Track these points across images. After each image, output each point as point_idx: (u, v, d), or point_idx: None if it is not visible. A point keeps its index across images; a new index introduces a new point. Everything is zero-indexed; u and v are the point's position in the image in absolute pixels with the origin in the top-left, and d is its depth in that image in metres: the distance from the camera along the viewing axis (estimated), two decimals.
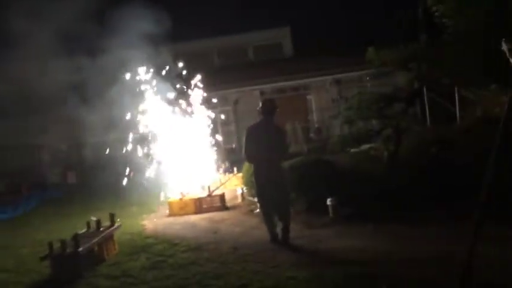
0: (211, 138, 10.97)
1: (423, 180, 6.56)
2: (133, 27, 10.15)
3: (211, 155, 10.80)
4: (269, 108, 6.17)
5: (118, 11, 9.89)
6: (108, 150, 15.72)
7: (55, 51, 10.10)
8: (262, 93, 17.55)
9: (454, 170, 6.45)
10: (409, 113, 8.05)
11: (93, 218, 6.69)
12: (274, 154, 5.96)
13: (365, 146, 9.56)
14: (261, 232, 6.62)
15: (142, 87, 9.99)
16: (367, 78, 8.68)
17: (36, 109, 14.71)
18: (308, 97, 17.74)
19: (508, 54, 2.87)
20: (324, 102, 17.16)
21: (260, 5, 20.57)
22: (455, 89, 9.23)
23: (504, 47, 2.90)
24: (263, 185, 6.10)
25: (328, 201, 6.77)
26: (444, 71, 7.05)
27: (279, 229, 6.08)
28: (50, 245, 5.50)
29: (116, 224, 6.63)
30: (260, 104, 6.30)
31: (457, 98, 10.21)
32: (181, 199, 8.64)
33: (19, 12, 9.58)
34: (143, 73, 10.00)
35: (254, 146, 6.04)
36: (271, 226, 6.14)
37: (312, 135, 16.40)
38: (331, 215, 6.75)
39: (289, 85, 17.56)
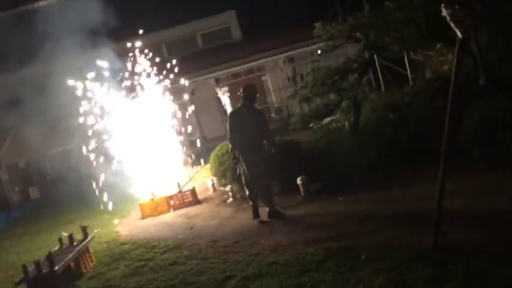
0: (172, 132, 10.79)
1: (384, 146, 6.76)
2: (72, 24, 9.82)
3: (175, 150, 10.63)
4: (250, 93, 6.48)
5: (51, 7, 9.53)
6: (66, 160, 15.36)
7: None
8: (217, 80, 17.45)
9: (410, 132, 6.68)
10: (363, 82, 8.20)
11: (65, 234, 6.55)
12: (257, 137, 6.30)
13: (326, 120, 9.73)
14: (237, 221, 6.70)
15: (91, 89, 9.63)
16: (318, 53, 8.74)
17: None
18: (263, 78, 17.79)
19: (448, 19, 2.97)
20: (280, 81, 17.27)
21: None
22: (404, 53, 9.48)
23: (444, 12, 2.99)
24: (248, 167, 6.39)
25: (298, 181, 6.88)
26: (391, 37, 7.21)
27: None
28: (24, 267, 5.34)
29: (90, 236, 6.51)
30: (241, 90, 6.54)
31: (406, 61, 10.51)
32: (152, 199, 8.55)
33: None
34: (89, 75, 9.63)
35: (238, 129, 6.36)
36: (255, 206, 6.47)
37: (273, 115, 16.51)
38: (302, 193, 6.87)
39: (243, 69, 17.51)
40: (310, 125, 9.85)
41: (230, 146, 6.73)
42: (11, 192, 15.19)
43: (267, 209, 6.37)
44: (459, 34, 2.95)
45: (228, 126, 6.62)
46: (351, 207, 5.98)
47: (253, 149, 6.30)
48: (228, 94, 17.99)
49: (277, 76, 17.55)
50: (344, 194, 6.45)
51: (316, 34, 7.76)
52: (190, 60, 16.98)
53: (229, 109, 17.91)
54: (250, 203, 6.59)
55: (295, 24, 16.23)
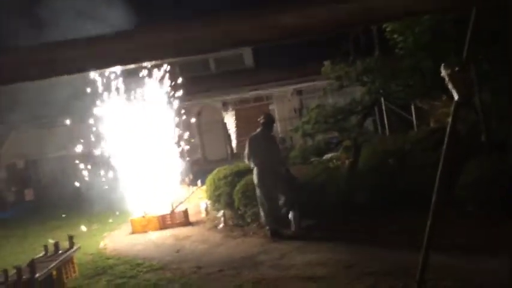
0: (173, 149, 10.79)
1: (379, 190, 6.75)
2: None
3: (174, 168, 10.61)
4: (269, 121, 7.35)
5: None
6: (65, 166, 15.38)
7: None
8: (224, 104, 17.62)
9: (407, 179, 6.69)
10: (364, 125, 8.26)
11: (51, 241, 6.52)
12: (274, 159, 7.05)
13: (327, 156, 9.77)
14: (225, 249, 6.65)
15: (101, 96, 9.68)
16: (323, 91, 8.84)
17: None
18: (271, 107, 17.93)
19: (446, 80, 3.02)
20: (287, 112, 17.41)
21: None
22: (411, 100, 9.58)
23: (443, 72, 3.05)
24: (269, 186, 6.89)
25: (290, 215, 6.86)
26: (398, 84, 7.31)
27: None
28: (5, 272, 5.31)
29: (75, 246, 6.48)
30: (262, 117, 7.34)
31: (413, 108, 10.61)
32: (143, 216, 8.52)
33: None
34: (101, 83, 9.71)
35: (257, 153, 6.99)
36: (272, 222, 6.82)
37: None
38: (292, 228, 6.83)
39: (252, 96, 17.69)
40: (312, 159, 9.91)
41: (252, 167, 7.10)
42: (7, 192, 15.19)
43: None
44: (455, 96, 3.01)
45: (247, 150, 7.16)
46: (339, 248, 5.93)
47: (271, 172, 6.90)
48: (234, 119, 18.22)
49: (284, 106, 17.71)
50: (334, 233, 6.41)
51: (323, 73, 7.88)
52: (200, 81, 17.17)
53: (233, 133, 18.12)
54: (267, 227, 6.86)
55: (308, 58, 16.46)
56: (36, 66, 5.12)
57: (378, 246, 5.76)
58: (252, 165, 7.09)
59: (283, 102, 17.79)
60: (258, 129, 7.27)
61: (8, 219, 12.85)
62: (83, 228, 9.22)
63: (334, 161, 9.03)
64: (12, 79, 4.16)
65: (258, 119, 7.32)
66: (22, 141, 15.66)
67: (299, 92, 17.94)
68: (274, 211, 6.90)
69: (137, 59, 3.69)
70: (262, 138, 7.15)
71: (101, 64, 4.47)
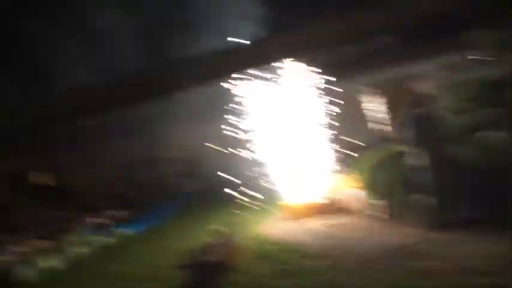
0: (327, 135, 10.77)
1: None
2: None
3: (327, 154, 10.59)
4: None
5: None
6: (225, 157, 16.61)
7: None
8: (369, 86, 17.03)
9: None
10: None
11: (218, 228, 7.19)
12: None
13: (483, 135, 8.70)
14: (381, 238, 6.58)
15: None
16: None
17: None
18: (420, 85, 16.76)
19: None
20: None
21: None
22: None
23: None
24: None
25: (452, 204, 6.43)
26: None
27: None
28: (185, 255, 6.07)
29: (240, 232, 7.06)
30: (414, 99, 7.35)
31: None
32: (299, 203, 8.81)
33: None
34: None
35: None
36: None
37: None
38: (454, 216, 6.39)
39: (398, 75, 16.74)
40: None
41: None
42: (178, 183, 17.04)
43: None
44: None
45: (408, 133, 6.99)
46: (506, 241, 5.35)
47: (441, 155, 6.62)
48: (382, 101, 17.47)
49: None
50: (501, 225, 5.79)
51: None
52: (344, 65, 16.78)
53: (382, 117, 17.38)
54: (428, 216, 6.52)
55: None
56: None
57: None
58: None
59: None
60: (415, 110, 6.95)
61: (181, 208, 14.43)
62: (245, 215, 9.90)
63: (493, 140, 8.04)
64: None
65: (410, 101, 6.92)
66: (189, 136, 17.39)
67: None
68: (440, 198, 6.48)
69: None
70: (423, 120, 6.86)
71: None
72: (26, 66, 13.98)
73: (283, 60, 10.32)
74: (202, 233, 8.42)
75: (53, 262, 9.39)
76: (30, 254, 9.80)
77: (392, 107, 16.41)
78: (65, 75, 13.78)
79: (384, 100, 16.73)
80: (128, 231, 11.88)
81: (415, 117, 7.15)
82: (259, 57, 9.58)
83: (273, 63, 10.23)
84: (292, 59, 10.30)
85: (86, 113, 11.34)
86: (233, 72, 10.18)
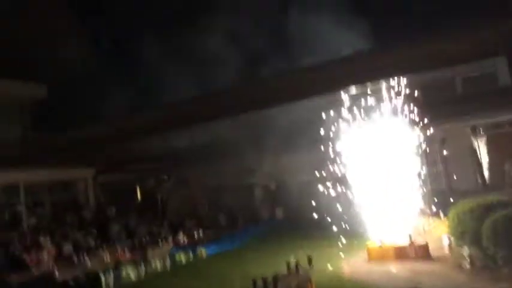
0: (416, 177, 10.31)
1: None
2: None
3: (415, 197, 10.13)
4: None
5: None
6: (311, 189, 16.52)
7: None
8: (473, 129, 15.92)
9: None
10: None
11: (293, 259, 7.10)
12: None
13: None
14: None
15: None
16: None
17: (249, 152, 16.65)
18: None
19: None
20: None
21: None
22: None
23: None
24: None
25: None
26: None
27: None
28: (254, 282, 6.06)
29: (312, 267, 6.89)
30: None
31: None
32: (381, 246, 8.42)
33: None
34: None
35: None
36: None
37: None
38: None
39: (508, 119, 15.44)
40: None
41: None
42: (261, 209, 17.32)
43: None
44: None
45: None
46: None
47: None
48: (486, 145, 16.20)
49: None
50: None
51: None
52: (445, 105, 16.01)
53: (485, 162, 16.14)
54: None
55: None
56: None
57: None
58: None
59: None
60: None
61: (262, 233, 14.59)
62: (324, 250, 9.68)
63: None
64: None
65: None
66: (275, 164, 17.64)
67: None
68: None
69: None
70: None
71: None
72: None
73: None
74: (280, 262, 8.38)
75: (135, 272, 9.94)
76: (117, 262, 10.48)
77: (499, 153, 15.18)
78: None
79: (495, 145, 15.55)
80: (209, 251, 12.23)
81: None
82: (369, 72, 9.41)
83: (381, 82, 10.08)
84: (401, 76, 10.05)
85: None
86: (344, 85, 10.15)
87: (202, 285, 8.39)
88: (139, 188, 22.04)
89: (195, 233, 13.99)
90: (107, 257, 11.08)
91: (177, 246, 12.81)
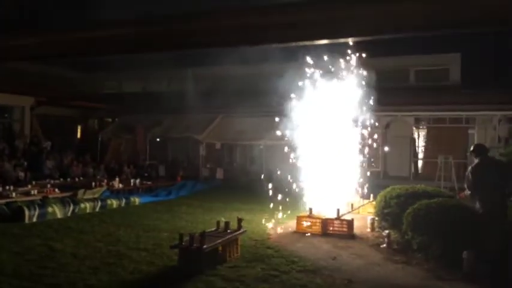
0: (356, 157, 10.64)
1: None
2: None
3: (352, 176, 10.49)
4: (484, 150, 6.68)
5: None
6: (255, 153, 16.71)
7: None
8: (416, 120, 16.60)
9: None
10: None
11: (223, 219, 7.18)
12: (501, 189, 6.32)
13: None
14: (383, 271, 6.32)
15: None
16: None
17: (202, 107, 16.46)
18: (470, 131, 16.16)
19: None
20: (489, 140, 15.42)
21: None
22: None
23: None
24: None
25: (464, 254, 6.09)
26: None
27: None
28: (180, 236, 6.08)
29: (242, 229, 7.01)
30: (472, 148, 6.80)
31: None
32: (309, 216, 8.69)
33: None
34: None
35: (482, 183, 6.37)
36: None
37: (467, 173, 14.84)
38: (464, 270, 6.06)
39: (449, 116, 16.21)
40: None
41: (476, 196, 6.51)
42: (203, 167, 17.32)
43: None
44: None
45: (470, 178, 6.50)
46: None
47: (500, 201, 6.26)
48: (425, 137, 17.03)
49: (486, 133, 15.74)
50: None
51: None
52: (396, 93, 16.47)
53: (421, 152, 16.98)
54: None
55: None
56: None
57: None
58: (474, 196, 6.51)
59: (486, 128, 15.82)
60: (477, 160, 6.53)
61: (200, 191, 14.67)
62: (255, 215, 9.91)
63: None
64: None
65: (470, 150, 6.82)
66: (224, 126, 17.59)
67: (510, 120, 15.71)
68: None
69: None
70: (487, 167, 6.43)
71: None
72: None
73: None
74: (211, 220, 8.48)
75: (62, 211, 9.70)
76: (45, 198, 10.17)
77: (435, 146, 15.98)
78: None
79: (434, 139, 16.32)
80: (143, 200, 12.14)
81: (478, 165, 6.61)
82: None
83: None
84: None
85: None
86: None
87: (129, 232, 8.34)
88: (80, 126, 21.30)
89: (132, 181, 13.81)
90: (34, 192, 10.73)
91: (111, 191, 12.61)
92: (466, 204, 6.95)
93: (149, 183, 14.42)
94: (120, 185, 13.12)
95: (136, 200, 11.96)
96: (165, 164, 17.48)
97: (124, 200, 11.50)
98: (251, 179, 15.49)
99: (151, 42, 7.03)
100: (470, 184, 6.50)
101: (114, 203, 11.14)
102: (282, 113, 10.23)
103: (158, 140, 18.42)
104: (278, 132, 10.09)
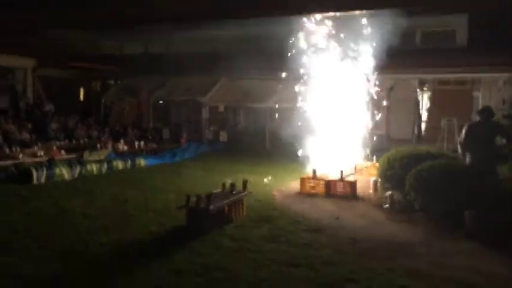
0: (361, 119, 10.66)
1: None
2: None
3: (356, 138, 10.53)
4: (491, 113, 7.18)
5: None
6: (259, 115, 16.68)
7: None
8: (421, 82, 16.45)
9: None
10: None
11: (229, 181, 7.29)
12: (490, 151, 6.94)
13: None
14: (385, 230, 6.48)
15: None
16: None
17: (206, 69, 16.32)
18: (474, 94, 16.04)
19: None
20: (494, 102, 15.33)
21: None
22: None
23: None
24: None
25: (466, 213, 6.21)
26: None
27: None
28: (187, 197, 6.20)
29: (247, 190, 7.13)
30: (480, 110, 7.46)
31: None
32: (313, 178, 8.80)
33: None
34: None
35: (473, 142, 6.99)
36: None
37: None
38: (466, 227, 6.18)
39: (455, 78, 16.06)
40: None
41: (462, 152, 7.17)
42: (207, 130, 17.35)
43: None
44: None
45: (463, 135, 7.17)
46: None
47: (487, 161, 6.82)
48: (429, 100, 16.92)
49: (491, 95, 15.62)
50: None
51: None
52: (401, 54, 16.22)
53: (424, 115, 16.93)
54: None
55: None
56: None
57: None
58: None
59: (491, 90, 15.69)
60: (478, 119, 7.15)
61: (204, 153, 14.78)
62: (261, 176, 10.02)
63: None
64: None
65: (477, 112, 7.34)
66: (228, 88, 17.48)
67: None
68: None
69: None
70: (483, 128, 6.99)
71: None
72: None
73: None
74: (216, 182, 8.58)
75: (68, 172, 9.83)
76: (52, 160, 10.28)
77: (440, 109, 15.91)
78: None
79: (438, 101, 16.23)
80: (148, 162, 12.27)
81: (474, 125, 7.27)
82: None
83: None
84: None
85: None
86: None
87: (136, 193, 8.49)
88: (83, 89, 21.21)
89: (137, 143, 13.90)
90: (41, 153, 10.83)
91: (116, 153, 12.72)
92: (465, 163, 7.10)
93: (154, 145, 14.50)
94: (125, 147, 13.21)
95: (142, 161, 12.08)
96: (168, 126, 17.51)
97: (130, 162, 11.63)
98: (255, 141, 15.56)
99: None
100: (462, 142, 7.13)
101: (120, 164, 11.27)
102: (287, 75, 10.21)
103: (161, 102, 18.37)
104: (284, 94, 10.10)
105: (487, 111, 7.20)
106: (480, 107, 16.05)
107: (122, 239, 5.85)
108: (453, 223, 6.31)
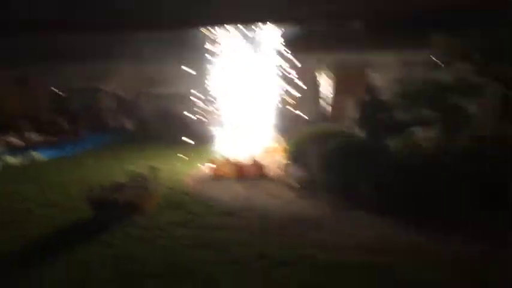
0: (272, 101, 10.77)
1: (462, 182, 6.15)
2: None
3: (266, 119, 10.62)
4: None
5: None
6: (169, 102, 16.24)
7: None
8: (320, 63, 17.16)
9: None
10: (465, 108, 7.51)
11: (136, 169, 7.02)
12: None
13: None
14: (295, 207, 6.69)
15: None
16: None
17: (103, 53, 15.41)
18: (371, 74, 17.12)
19: None
20: (387, 82, 16.49)
21: None
22: None
23: None
24: None
25: (363, 186, 6.62)
26: None
27: None
28: (91, 189, 5.87)
29: (157, 178, 6.93)
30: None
31: None
32: (225, 161, 8.81)
33: None
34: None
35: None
36: None
37: None
38: (362, 200, 6.59)
39: (352, 59, 16.99)
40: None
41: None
42: (110, 118, 16.53)
43: None
44: None
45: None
46: (403, 228, 5.65)
47: None
48: (334, 81, 17.78)
49: (385, 76, 16.80)
50: (405, 214, 6.02)
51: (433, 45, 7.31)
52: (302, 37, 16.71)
53: (330, 96, 17.73)
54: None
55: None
56: None
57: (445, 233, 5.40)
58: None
59: (385, 71, 16.86)
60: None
61: (108, 143, 14.05)
62: (169, 162, 9.80)
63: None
64: None
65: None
66: (130, 74, 16.73)
67: (408, 63, 16.85)
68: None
69: None
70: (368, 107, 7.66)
71: None
72: None
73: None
74: (122, 171, 8.22)
75: None
76: None
77: (345, 90, 16.75)
78: None
79: (339, 82, 17.06)
80: (46, 155, 11.39)
81: (362, 103, 7.85)
82: None
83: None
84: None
85: None
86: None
87: (33, 189, 7.83)
88: None
89: (31, 135, 12.82)
90: None
91: (9, 147, 11.62)
92: (363, 140, 7.58)
93: (51, 137, 13.47)
94: (18, 141, 12.12)
95: (38, 155, 11.18)
96: (67, 116, 16.37)
97: (25, 157, 10.70)
98: (162, 127, 15.15)
99: None
100: (357, 120, 7.84)
101: (13, 160, 10.34)
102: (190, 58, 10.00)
103: (58, 91, 17.10)
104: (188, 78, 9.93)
105: (372, 90, 7.92)
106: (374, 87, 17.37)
107: (24, 235, 5.41)
108: (353, 196, 6.70)
